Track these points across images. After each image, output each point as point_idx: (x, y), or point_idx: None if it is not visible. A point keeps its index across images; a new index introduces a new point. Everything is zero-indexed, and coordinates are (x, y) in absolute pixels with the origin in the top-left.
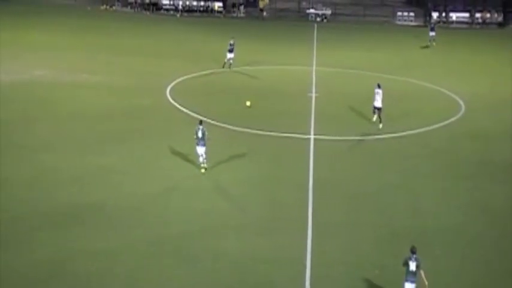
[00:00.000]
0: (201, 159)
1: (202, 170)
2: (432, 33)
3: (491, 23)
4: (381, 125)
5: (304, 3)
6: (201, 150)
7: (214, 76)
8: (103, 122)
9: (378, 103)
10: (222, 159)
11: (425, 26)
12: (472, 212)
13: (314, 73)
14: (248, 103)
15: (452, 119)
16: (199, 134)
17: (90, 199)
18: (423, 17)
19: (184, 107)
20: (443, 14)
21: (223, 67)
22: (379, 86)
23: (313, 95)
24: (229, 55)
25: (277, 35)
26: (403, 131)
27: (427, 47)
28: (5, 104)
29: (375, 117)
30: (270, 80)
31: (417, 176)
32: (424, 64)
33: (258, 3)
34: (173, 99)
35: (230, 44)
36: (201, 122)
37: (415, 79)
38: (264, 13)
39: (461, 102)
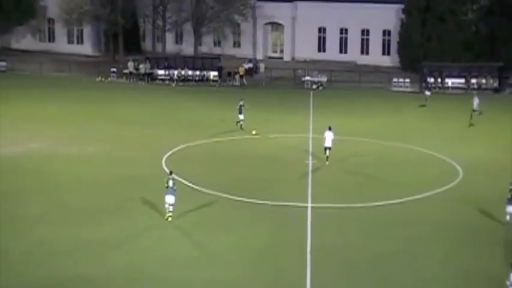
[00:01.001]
0: (169, 208)
1: (169, 219)
2: (428, 93)
3: (486, 89)
4: (327, 162)
5: (299, 71)
6: (170, 199)
7: (210, 145)
8: (99, 193)
9: (328, 143)
10: (218, 227)
11: (421, 92)
12: (472, 280)
13: (311, 140)
14: (254, 132)
15: (451, 185)
16: (170, 184)
17: (84, 271)
18: (419, 83)
19: (180, 177)
20: (439, 80)
21: (240, 127)
22: (329, 129)
23: (310, 162)
24: (240, 116)
25: (273, 103)
26: (400, 198)
27: (423, 105)
28: (0, 175)
29: (327, 155)
30: (267, 148)
31: (416, 243)
32: (421, 130)
33: (237, 70)
34: (169, 169)
35: (240, 106)
36: (171, 173)
37: (412, 145)
38: (244, 80)
39: (459, 168)
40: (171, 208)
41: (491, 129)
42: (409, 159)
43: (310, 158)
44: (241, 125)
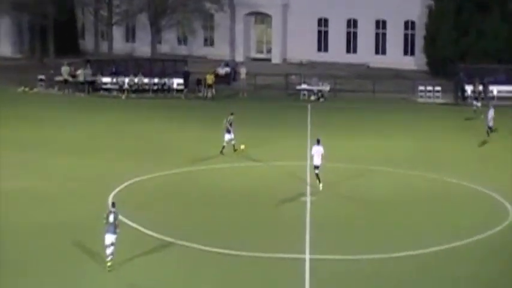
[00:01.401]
0: (108, 250)
1: (108, 268)
2: (478, 104)
3: None
4: (320, 186)
5: (293, 77)
6: (110, 238)
7: (174, 177)
8: (21, 243)
9: (317, 161)
10: (175, 285)
11: (457, 104)
12: None
13: (309, 170)
14: (242, 146)
15: (496, 229)
16: (111, 219)
17: None
18: (453, 92)
19: (133, 220)
20: (480, 88)
21: (221, 152)
22: (318, 143)
23: (308, 199)
24: (228, 136)
25: (258, 121)
26: (426, 247)
27: (470, 119)
28: None
29: (318, 177)
30: (250, 181)
31: None
32: (458, 155)
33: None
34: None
35: (228, 122)
36: (113, 205)
37: (445, 175)
38: (213, 90)
39: (509, 207)
40: (111, 249)
41: None
42: (439, 194)
43: (308, 193)
44: (233, 146)
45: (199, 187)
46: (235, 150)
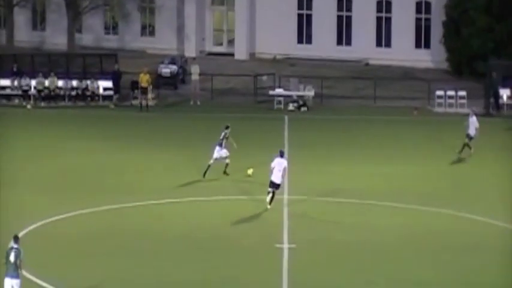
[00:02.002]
0: None
1: None
2: None
3: None
4: (268, 206)
5: (264, 79)
6: (10, 283)
7: (96, 217)
8: None
9: (277, 178)
10: None
11: (488, 115)
12: None
13: (286, 207)
14: (250, 171)
15: None
16: (12, 257)
17: None
18: (484, 99)
19: (39, 277)
20: None
21: (203, 176)
22: (281, 155)
23: (285, 246)
24: (218, 153)
25: (213, 138)
26: None
27: None
28: None
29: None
30: (206, 222)
31: None
32: (489, 186)
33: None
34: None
35: (223, 136)
36: (16, 240)
37: (474, 213)
38: (150, 96)
39: None
40: None
41: None
42: (469, 238)
43: (286, 238)
44: (226, 166)
45: (137, 229)
46: (225, 172)
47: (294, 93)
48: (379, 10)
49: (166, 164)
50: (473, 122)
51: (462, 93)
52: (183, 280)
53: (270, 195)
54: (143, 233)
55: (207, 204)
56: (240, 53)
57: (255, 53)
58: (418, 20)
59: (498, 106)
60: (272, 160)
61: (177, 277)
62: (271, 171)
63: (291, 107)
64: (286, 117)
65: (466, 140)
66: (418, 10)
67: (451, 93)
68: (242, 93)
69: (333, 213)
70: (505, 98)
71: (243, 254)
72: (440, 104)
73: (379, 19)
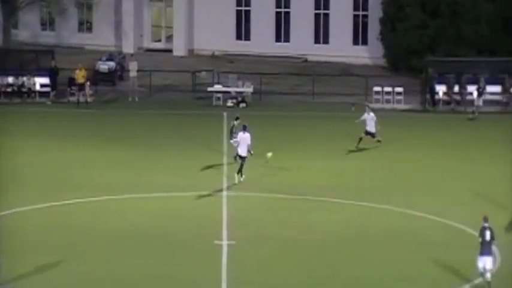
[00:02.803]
0: None
1: None
2: (479, 101)
3: None
4: (242, 178)
5: (203, 75)
6: None
7: (28, 216)
8: None
9: (243, 151)
10: None
11: (425, 111)
12: None
13: (225, 203)
14: (269, 154)
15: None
16: None
17: None
18: (420, 94)
19: None
20: (456, 88)
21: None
22: (244, 129)
23: (225, 243)
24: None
25: (155, 135)
26: None
27: (473, 119)
28: None
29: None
30: (145, 219)
31: None
32: (427, 179)
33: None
34: None
35: (234, 130)
36: None
37: (411, 208)
38: (88, 92)
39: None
40: None
41: None
42: (406, 235)
43: (225, 234)
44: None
45: (69, 226)
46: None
47: (232, 89)
48: (317, 7)
49: (105, 160)
50: (372, 118)
51: (399, 89)
52: (121, 278)
53: (239, 167)
54: (81, 230)
55: (147, 201)
56: (179, 49)
57: (194, 50)
58: (355, 16)
59: (434, 102)
60: (237, 134)
61: (117, 275)
62: (237, 145)
63: (229, 103)
64: (225, 114)
65: (362, 135)
66: (356, 7)
67: (388, 89)
68: (180, 89)
69: (273, 210)
70: (440, 94)
71: (182, 251)
72: (377, 100)
73: (317, 16)
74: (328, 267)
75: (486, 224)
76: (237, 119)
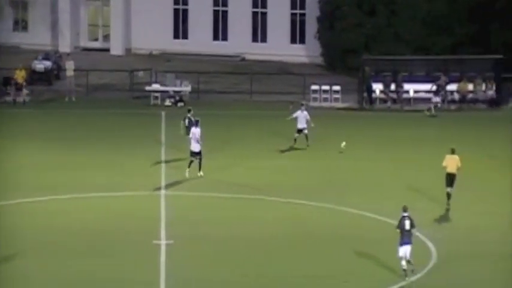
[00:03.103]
0: None
1: None
2: (437, 99)
3: (477, 101)
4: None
5: (141, 74)
6: None
7: None
8: None
9: (196, 148)
10: None
11: (362, 109)
12: None
13: (164, 203)
14: (344, 144)
15: (418, 276)
16: None
17: None
18: (357, 92)
19: None
20: (392, 86)
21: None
22: (196, 124)
23: (163, 242)
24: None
25: (92, 135)
26: None
27: (433, 116)
28: None
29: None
30: (83, 219)
31: None
32: (368, 178)
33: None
34: None
35: (187, 120)
36: None
37: (345, 204)
38: (24, 92)
39: (431, 246)
40: None
41: (485, 177)
42: (344, 233)
43: (163, 234)
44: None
45: (7, 226)
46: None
47: (170, 88)
48: (254, 5)
49: (45, 161)
50: (305, 116)
51: (336, 87)
52: (60, 278)
53: (190, 163)
54: (21, 230)
55: (87, 201)
56: (116, 48)
57: (131, 49)
58: (293, 15)
59: (371, 100)
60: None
61: (57, 275)
62: (189, 141)
63: (167, 102)
64: (163, 113)
65: (296, 135)
66: (293, 5)
67: (325, 87)
68: (118, 89)
69: (211, 208)
70: (377, 92)
71: (120, 251)
72: (315, 99)
73: (254, 14)
74: (265, 265)
75: (405, 214)
76: (189, 111)
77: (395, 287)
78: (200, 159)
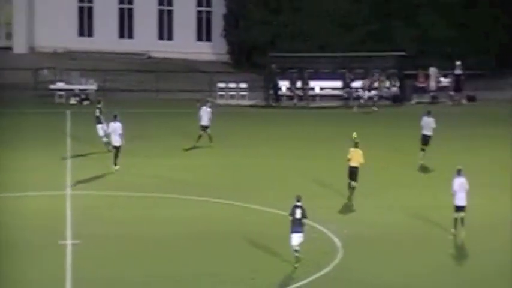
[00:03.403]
0: None
1: None
2: (365, 95)
3: (381, 97)
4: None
5: (45, 72)
6: None
7: None
8: None
9: (117, 143)
10: None
11: (269, 106)
12: None
13: (69, 202)
14: (354, 134)
15: (325, 271)
16: None
17: None
18: (264, 90)
19: None
20: (299, 83)
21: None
22: (115, 118)
23: (69, 242)
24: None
25: None
26: None
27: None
28: None
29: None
30: None
31: None
32: (273, 174)
33: None
34: None
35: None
36: None
37: (258, 204)
38: None
39: (337, 241)
40: None
41: (389, 172)
42: (251, 230)
43: (69, 233)
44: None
45: None
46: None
47: (75, 87)
48: (160, 3)
49: None
50: (208, 112)
51: (243, 85)
52: None
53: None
54: None
55: None
56: (19, 46)
57: (35, 47)
58: (199, 12)
59: (277, 98)
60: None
61: None
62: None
63: (72, 101)
64: (68, 112)
65: (201, 133)
66: (200, 3)
67: (232, 85)
68: (22, 88)
69: (117, 207)
70: (284, 89)
71: (25, 252)
72: (222, 96)
73: (160, 12)
74: (170, 264)
75: (298, 203)
76: (99, 102)
77: (304, 282)
78: (118, 153)
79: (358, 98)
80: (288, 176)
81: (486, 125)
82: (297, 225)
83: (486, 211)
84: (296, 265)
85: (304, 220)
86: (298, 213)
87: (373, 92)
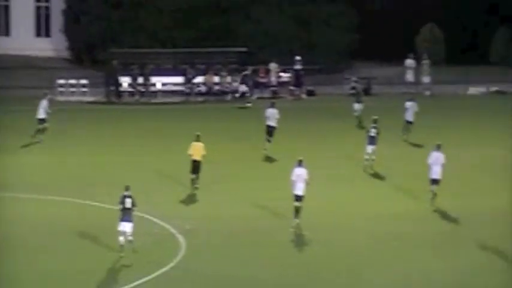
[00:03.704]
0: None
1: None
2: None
3: (224, 93)
4: None
5: None
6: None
7: None
8: None
9: None
10: None
11: (110, 103)
12: None
13: None
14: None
15: (164, 269)
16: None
17: None
18: (105, 87)
19: None
20: (140, 80)
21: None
22: None
23: None
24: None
25: None
26: None
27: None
28: None
29: None
30: None
31: None
32: (112, 173)
33: None
34: None
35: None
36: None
37: (94, 200)
38: None
39: (180, 237)
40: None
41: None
42: (88, 225)
43: None
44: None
45: None
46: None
47: None
48: None
49: None
50: (45, 106)
51: (84, 81)
52: None
53: None
54: None
55: None
56: None
57: None
58: (38, 8)
59: (119, 94)
60: None
61: None
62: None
63: None
64: None
65: (40, 126)
66: None
67: (72, 81)
68: None
69: None
70: (125, 85)
71: None
72: (62, 93)
73: None
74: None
75: (127, 193)
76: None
77: (150, 276)
78: None
79: (201, 93)
80: (129, 172)
81: (326, 119)
82: (126, 214)
83: (324, 200)
84: (122, 254)
85: (134, 209)
86: (127, 203)
87: (245, 88)
